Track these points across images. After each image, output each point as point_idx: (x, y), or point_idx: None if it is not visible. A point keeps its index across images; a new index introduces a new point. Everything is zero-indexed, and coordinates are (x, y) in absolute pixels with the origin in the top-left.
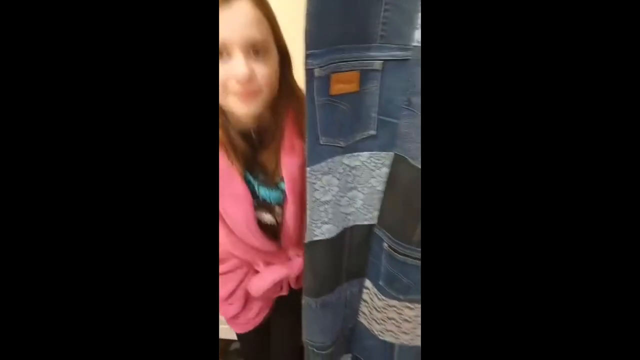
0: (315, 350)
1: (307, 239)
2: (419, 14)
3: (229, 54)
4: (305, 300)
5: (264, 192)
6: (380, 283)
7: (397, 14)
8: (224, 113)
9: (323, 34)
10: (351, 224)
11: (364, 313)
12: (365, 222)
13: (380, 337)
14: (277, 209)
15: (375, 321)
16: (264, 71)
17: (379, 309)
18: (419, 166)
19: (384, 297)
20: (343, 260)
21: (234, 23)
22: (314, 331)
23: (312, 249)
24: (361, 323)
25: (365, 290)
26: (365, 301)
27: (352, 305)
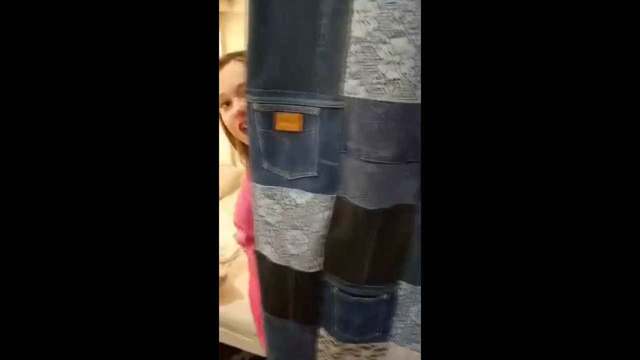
0: None
1: (255, 247)
2: (346, 70)
3: (229, 104)
4: (261, 309)
5: None
6: (335, 329)
7: (329, 69)
8: (243, 145)
9: (260, 77)
10: (296, 267)
11: None
12: (311, 270)
13: None
14: None
15: None
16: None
17: (335, 356)
18: (358, 204)
19: (339, 342)
20: (288, 296)
21: (227, 79)
22: (268, 343)
23: (259, 259)
24: None
25: (320, 339)
26: (321, 350)
27: (305, 352)
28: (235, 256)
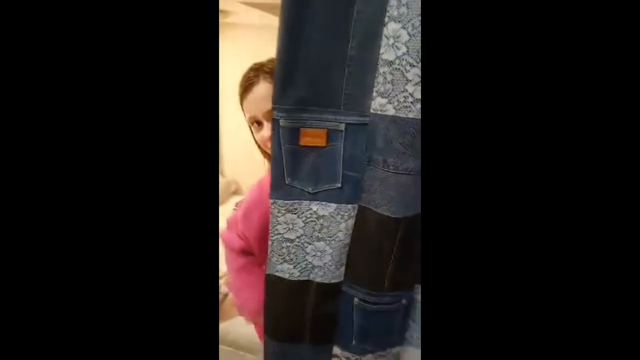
0: None
1: (267, 271)
2: (374, 88)
3: (260, 124)
4: (265, 339)
5: None
6: (354, 343)
7: (357, 88)
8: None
9: (289, 95)
10: (318, 279)
11: None
12: (334, 281)
13: None
14: None
15: None
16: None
17: None
18: (384, 213)
19: (357, 356)
20: (305, 315)
21: (257, 102)
22: None
23: (271, 283)
24: None
25: (334, 359)
26: None
27: None
28: None
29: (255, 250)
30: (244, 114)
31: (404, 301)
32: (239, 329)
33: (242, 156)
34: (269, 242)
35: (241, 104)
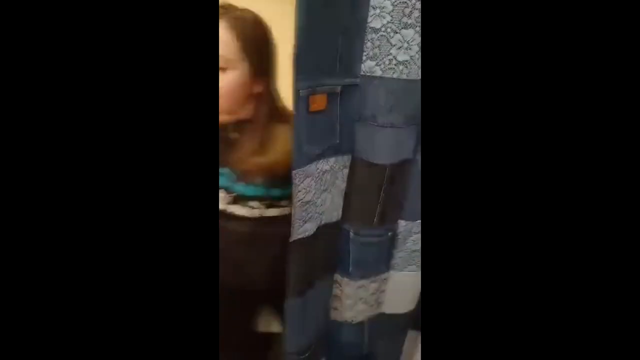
0: (296, 357)
1: (292, 238)
2: (364, 53)
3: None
4: (288, 303)
5: (238, 187)
6: (350, 270)
7: (347, 55)
8: None
9: (305, 66)
10: (323, 222)
11: (336, 309)
12: (333, 220)
13: (354, 322)
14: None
15: (348, 309)
16: (223, 82)
17: (349, 296)
18: (372, 160)
19: (353, 281)
20: (318, 258)
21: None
22: (294, 334)
23: (297, 248)
24: (334, 321)
25: (335, 285)
26: (336, 296)
27: (325, 302)
28: None
29: None
30: None
31: (389, 234)
32: None
33: None
34: (293, 211)
35: None
